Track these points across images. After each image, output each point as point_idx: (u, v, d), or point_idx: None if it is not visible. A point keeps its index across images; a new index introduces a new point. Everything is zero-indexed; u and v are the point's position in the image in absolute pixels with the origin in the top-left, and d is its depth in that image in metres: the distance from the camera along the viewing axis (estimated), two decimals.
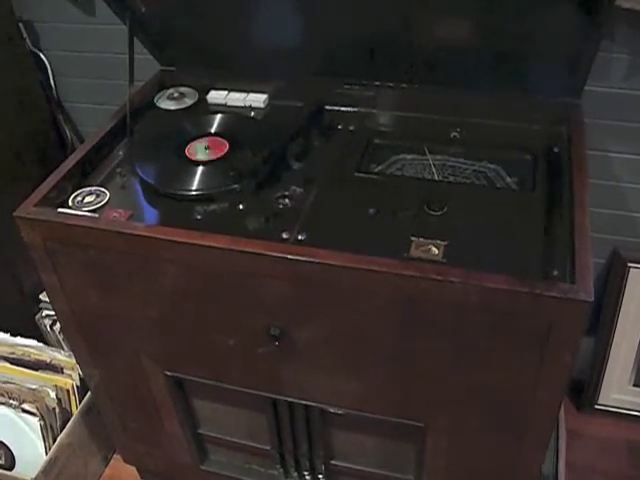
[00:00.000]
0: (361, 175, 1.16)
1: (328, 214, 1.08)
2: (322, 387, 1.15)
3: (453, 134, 1.25)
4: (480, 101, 1.24)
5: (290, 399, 1.20)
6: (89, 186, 1.17)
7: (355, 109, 1.31)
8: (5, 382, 1.54)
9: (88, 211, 1.11)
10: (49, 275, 1.14)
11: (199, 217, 1.09)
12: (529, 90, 1.22)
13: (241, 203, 1.10)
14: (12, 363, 1.58)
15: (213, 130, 1.25)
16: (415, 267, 0.92)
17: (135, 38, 1.33)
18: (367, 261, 0.93)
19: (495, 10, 1.11)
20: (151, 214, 1.12)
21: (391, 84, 1.30)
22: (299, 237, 1.03)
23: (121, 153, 1.25)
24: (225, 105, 1.37)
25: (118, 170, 1.20)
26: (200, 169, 1.15)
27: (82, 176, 1.19)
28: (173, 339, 1.18)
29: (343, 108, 1.31)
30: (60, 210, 1.10)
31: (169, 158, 1.19)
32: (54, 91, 1.65)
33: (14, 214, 1.07)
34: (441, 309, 0.95)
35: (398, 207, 1.07)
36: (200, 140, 1.22)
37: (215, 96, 1.38)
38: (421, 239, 1.01)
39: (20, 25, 1.53)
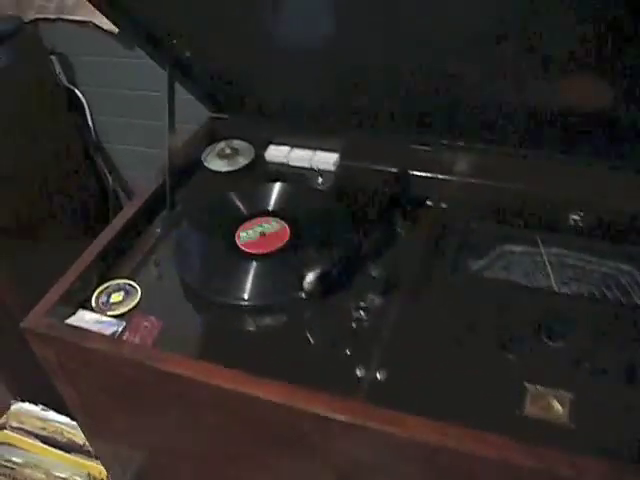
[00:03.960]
0: (457, 279, 0.91)
1: (415, 337, 0.82)
2: None
3: (573, 218, 0.98)
4: (611, 176, 0.97)
5: None
6: (118, 278, 0.95)
7: (447, 177, 1.05)
8: (34, 466, 1.36)
9: (113, 316, 0.89)
10: (65, 386, 0.93)
11: (250, 329, 0.86)
12: None
13: (304, 315, 0.86)
14: (43, 441, 1.41)
15: (271, 207, 1.02)
16: (538, 455, 0.66)
17: (179, 84, 1.10)
18: (474, 437, 0.68)
19: None
20: (189, 326, 0.89)
21: (492, 147, 1.03)
22: (378, 376, 0.78)
23: (159, 230, 1.03)
24: (287, 165, 1.13)
25: (153, 257, 0.98)
26: (254, 266, 0.92)
27: (114, 257, 0.98)
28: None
29: (431, 175, 1.06)
30: (76, 321, 0.88)
31: (215, 247, 0.96)
32: (92, 131, 1.44)
33: (20, 325, 0.86)
34: None
35: (505, 331, 0.82)
36: (254, 222, 0.98)
37: (275, 153, 1.14)
38: (539, 387, 0.76)
39: (52, 58, 1.32)
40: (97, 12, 0.99)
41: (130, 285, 0.94)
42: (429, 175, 1.05)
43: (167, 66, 1.02)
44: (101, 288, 0.93)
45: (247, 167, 1.12)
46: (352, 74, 1.01)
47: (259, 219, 0.98)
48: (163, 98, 1.33)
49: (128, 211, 1.02)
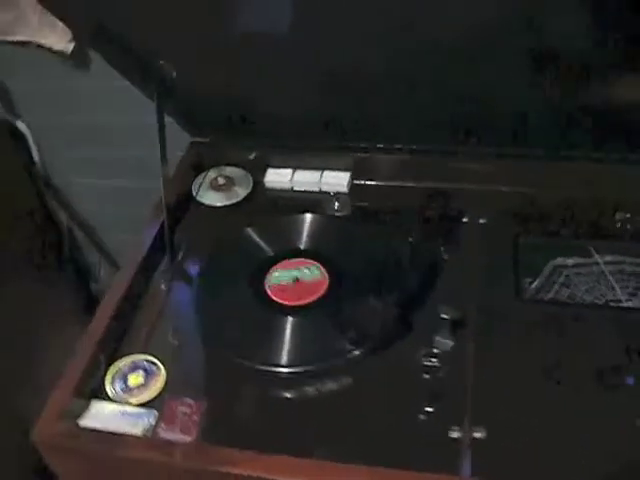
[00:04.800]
0: (524, 306, 0.81)
1: (501, 381, 0.72)
2: None
3: (619, 222, 0.91)
4: None
5: None
6: (131, 353, 0.79)
7: (479, 187, 0.95)
8: None
9: (141, 405, 0.74)
10: None
11: (309, 396, 0.74)
12: None
13: (368, 374, 0.75)
14: None
15: (302, 244, 0.88)
16: None
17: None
18: None
19: None
20: (233, 403, 0.75)
21: (522, 151, 0.94)
22: (476, 435, 0.68)
23: (163, 287, 0.88)
24: (292, 190, 1.00)
25: (165, 321, 0.83)
26: (290, 322, 0.78)
27: (120, 331, 0.82)
28: None
29: (461, 187, 0.95)
30: (95, 418, 0.72)
31: (243, 302, 0.82)
32: (40, 167, 1.24)
33: (32, 439, 0.69)
34: None
35: (596, 361, 0.74)
36: (284, 265, 0.85)
37: (276, 178, 1.01)
38: None
39: None
40: (41, 30, 0.82)
41: (148, 361, 0.79)
42: (458, 187, 0.95)
43: (155, 88, 0.86)
44: (113, 370, 0.78)
45: (249, 198, 0.98)
46: (357, 84, 0.89)
47: (289, 261, 0.85)
48: (118, 123, 1.17)
49: (124, 275, 0.85)
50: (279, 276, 0.83)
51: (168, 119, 0.93)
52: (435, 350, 0.76)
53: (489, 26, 0.75)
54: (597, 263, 0.86)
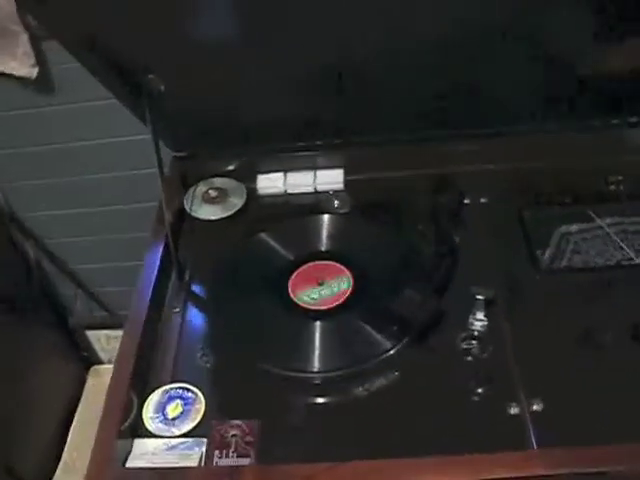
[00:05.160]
0: (546, 278, 0.83)
1: (544, 353, 0.74)
2: None
3: (612, 184, 0.94)
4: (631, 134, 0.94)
5: None
6: (161, 385, 0.76)
7: (474, 168, 0.96)
8: None
9: (185, 435, 0.71)
10: None
11: (361, 396, 0.72)
12: None
13: (414, 365, 0.74)
14: None
15: (323, 246, 0.87)
16: None
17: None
18: None
19: None
20: (282, 418, 0.72)
21: (508, 129, 0.96)
22: (535, 407, 0.69)
23: (177, 310, 0.84)
24: (287, 194, 0.98)
25: (188, 344, 0.80)
26: (325, 327, 0.77)
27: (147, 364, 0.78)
28: None
29: (457, 169, 0.95)
30: (141, 456, 0.68)
31: (272, 311, 0.80)
32: (1, 201, 1.17)
33: None
34: None
35: (628, 321, 0.76)
36: (305, 270, 0.83)
37: (268, 183, 0.98)
38: None
39: None
40: (1, 57, 0.77)
41: (183, 389, 0.75)
42: (453, 171, 0.95)
43: (146, 103, 0.82)
44: (149, 405, 0.74)
45: (246, 208, 0.95)
46: (340, 80, 0.88)
47: (309, 265, 0.83)
48: (81, 148, 1.12)
49: (138, 307, 0.81)
50: (304, 284, 0.81)
51: (144, 135, 0.89)
52: (472, 332, 0.76)
53: (470, 9, 0.76)
54: (600, 227, 0.89)
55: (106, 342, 1.43)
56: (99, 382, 1.42)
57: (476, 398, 0.71)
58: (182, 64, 0.83)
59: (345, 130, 0.97)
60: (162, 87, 0.84)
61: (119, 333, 1.37)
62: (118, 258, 1.27)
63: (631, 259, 0.85)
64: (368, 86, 0.89)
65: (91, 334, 1.42)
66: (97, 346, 1.44)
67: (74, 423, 1.42)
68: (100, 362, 1.47)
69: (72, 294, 1.35)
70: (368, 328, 0.75)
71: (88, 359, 1.46)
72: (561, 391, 0.70)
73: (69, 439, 1.40)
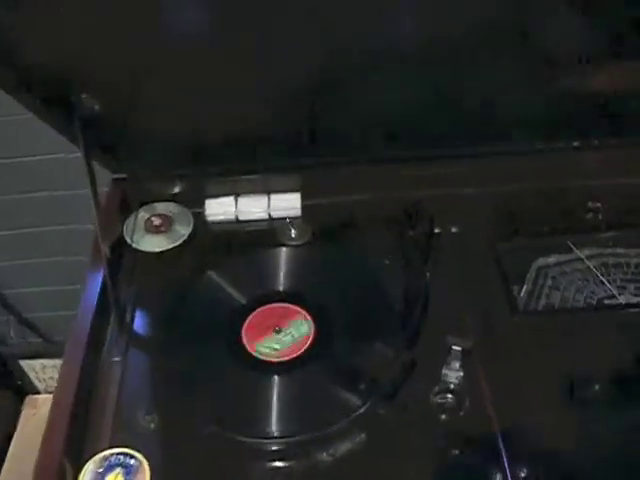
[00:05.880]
0: (522, 319, 0.76)
1: (528, 409, 0.67)
2: None
3: (589, 213, 0.88)
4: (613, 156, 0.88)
5: None
6: (99, 450, 0.66)
7: (444, 192, 0.88)
8: None
9: None
10: None
11: (324, 462, 0.64)
12: None
13: (377, 428, 0.66)
14: None
15: (280, 286, 0.78)
16: None
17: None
18: None
19: None
20: None
21: (470, 152, 0.88)
22: (521, 475, 0.62)
23: (117, 359, 0.74)
24: (237, 222, 0.89)
25: (130, 402, 0.70)
26: (281, 383, 0.68)
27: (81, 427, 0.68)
28: None
29: (425, 194, 0.87)
30: None
31: (224, 365, 0.71)
32: None
33: None
34: None
35: (612, 370, 0.70)
36: (259, 314, 0.74)
37: (217, 210, 0.89)
38: None
39: None
40: None
41: (124, 454, 0.66)
42: (418, 194, 0.87)
43: (78, 125, 0.71)
44: (85, 474, 0.64)
45: (194, 237, 0.86)
46: (296, 96, 0.80)
47: (265, 308, 0.74)
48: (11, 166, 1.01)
49: (72, 357, 0.71)
50: (260, 332, 0.72)
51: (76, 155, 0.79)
52: (447, 385, 0.69)
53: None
54: (579, 259, 0.83)
55: (42, 371, 1.32)
56: (34, 412, 1.32)
57: (454, 463, 0.64)
58: (120, 80, 0.73)
59: (302, 149, 0.88)
60: (96, 106, 0.74)
61: (56, 362, 1.28)
62: (54, 282, 1.16)
63: (613, 297, 0.79)
64: (330, 101, 0.80)
65: (25, 363, 1.30)
66: (32, 375, 1.33)
67: (9, 453, 1.32)
68: (36, 391, 1.36)
69: (4, 320, 1.23)
70: (334, 386, 0.67)
71: (23, 389, 1.35)
72: (547, 456, 0.63)
73: (4, 468, 1.30)
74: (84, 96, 0.71)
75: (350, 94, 0.80)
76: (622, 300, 0.78)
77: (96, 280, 0.79)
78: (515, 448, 0.64)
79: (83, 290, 0.79)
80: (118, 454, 0.66)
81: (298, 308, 0.74)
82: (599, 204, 0.87)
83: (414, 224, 0.79)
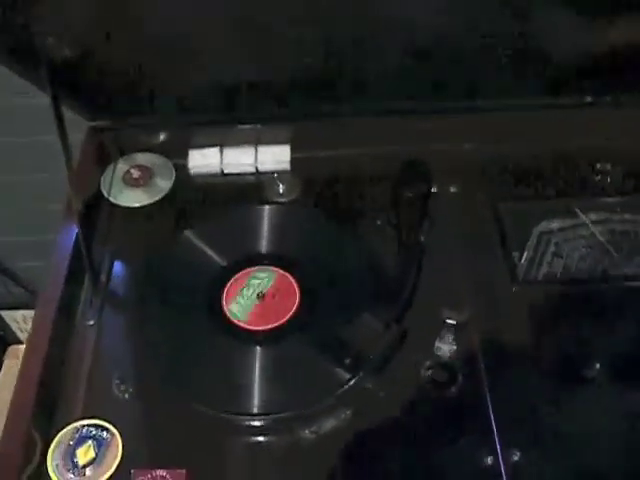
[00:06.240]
0: (522, 288, 0.72)
1: (522, 391, 0.63)
2: None
3: (598, 175, 0.82)
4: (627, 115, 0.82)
5: None
6: (71, 422, 0.62)
7: (437, 147, 0.82)
8: None
9: None
10: None
11: (307, 439, 0.60)
12: None
13: (364, 404, 0.62)
14: None
15: (263, 248, 0.73)
16: None
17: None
18: None
19: None
20: (216, 464, 0.61)
21: (473, 105, 0.82)
22: (514, 458, 0.59)
23: (91, 323, 0.70)
24: (222, 175, 0.83)
25: (104, 369, 0.66)
26: (265, 355, 0.64)
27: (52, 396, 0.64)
28: None
29: (413, 148, 0.81)
30: None
31: (197, 330, 0.67)
32: None
33: None
34: None
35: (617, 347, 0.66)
36: (242, 277, 0.69)
37: (201, 162, 0.83)
38: None
39: None
40: None
41: (97, 426, 0.62)
42: (416, 150, 0.81)
43: (44, 69, 0.64)
44: (54, 448, 0.60)
45: (175, 192, 0.81)
46: (288, 38, 0.73)
47: (248, 271, 0.70)
48: None
49: (41, 321, 0.67)
50: (239, 295, 0.68)
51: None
52: (439, 359, 0.65)
53: None
54: (584, 224, 0.78)
55: (23, 321, 1.28)
56: (17, 362, 1.29)
57: (444, 443, 0.60)
58: (98, 19, 0.66)
59: (294, 98, 0.82)
60: (66, 50, 0.67)
61: None
62: (34, 231, 1.10)
63: (618, 266, 0.74)
64: (325, 46, 0.74)
65: (6, 314, 1.26)
66: (14, 325, 1.30)
67: None
68: (18, 341, 1.33)
69: None
70: (320, 359, 0.62)
71: (5, 339, 1.32)
72: (542, 440, 0.60)
73: None
74: (50, 39, 0.64)
75: (344, 41, 0.74)
76: (628, 271, 0.73)
77: (69, 238, 0.74)
78: (509, 430, 0.60)
79: (56, 247, 0.74)
80: (90, 426, 0.62)
81: (282, 271, 0.69)
82: (609, 166, 0.81)
83: (410, 182, 0.73)
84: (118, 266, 0.75)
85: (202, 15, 0.68)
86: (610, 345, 0.66)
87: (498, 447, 0.59)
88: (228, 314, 0.66)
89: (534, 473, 0.58)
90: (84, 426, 0.62)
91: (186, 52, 0.74)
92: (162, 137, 0.84)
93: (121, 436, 0.61)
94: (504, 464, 0.58)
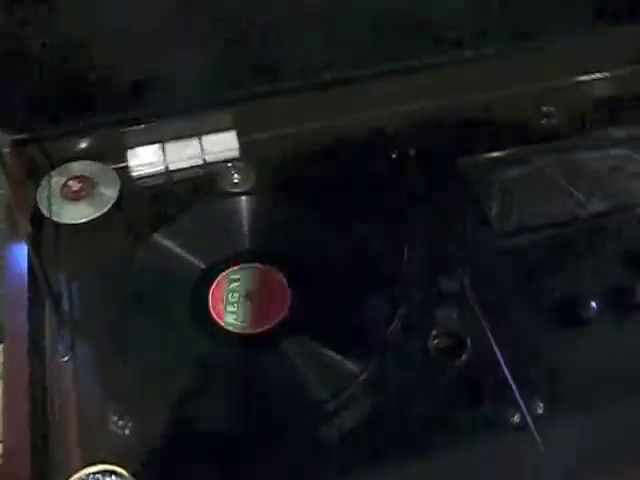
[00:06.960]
0: (501, 240, 0.72)
1: (528, 344, 0.63)
2: None
3: (545, 119, 0.83)
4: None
5: None
6: (73, 473, 0.55)
7: (390, 111, 0.80)
8: None
9: None
10: None
11: (330, 439, 0.58)
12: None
13: (379, 389, 0.60)
14: None
15: (246, 245, 0.68)
16: None
17: None
18: None
19: None
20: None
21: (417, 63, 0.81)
22: (539, 411, 0.59)
23: (66, 359, 0.62)
24: (168, 172, 0.77)
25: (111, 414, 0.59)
26: (259, 359, 0.60)
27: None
28: None
29: (360, 116, 0.80)
30: None
31: (190, 345, 0.62)
32: None
33: None
34: None
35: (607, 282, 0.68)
36: (219, 282, 0.64)
37: (143, 161, 0.76)
38: None
39: None
40: None
41: (104, 472, 0.56)
42: (377, 117, 0.79)
43: None
44: None
45: (123, 199, 0.73)
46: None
47: (223, 275, 0.65)
48: None
49: (15, 365, 0.59)
50: (227, 300, 0.63)
51: None
52: (442, 328, 0.64)
53: None
54: (542, 169, 0.79)
55: None
56: None
57: (467, 411, 0.60)
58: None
59: (233, 79, 0.77)
60: None
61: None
62: None
63: (583, 206, 0.76)
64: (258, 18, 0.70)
65: None
66: None
67: None
68: None
69: None
70: (330, 353, 0.59)
71: None
72: (563, 380, 0.61)
73: None
74: None
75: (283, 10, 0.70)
76: (593, 209, 0.75)
77: (18, 266, 0.66)
78: (527, 383, 0.60)
79: (4, 279, 0.66)
80: (96, 473, 0.56)
81: (267, 266, 0.65)
82: (552, 108, 0.83)
83: (371, 152, 0.70)
84: (77, 290, 0.67)
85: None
86: (600, 282, 0.67)
87: (521, 403, 0.59)
88: (226, 327, 0.61)
89: (559, 424, 0.59)
90: (89, 475, 0.56)
91: (109, 48, 0.68)
92: (94, 141, 0.76)
93: (133, 476, 0.56)
94: (532, 418, 0.58)
